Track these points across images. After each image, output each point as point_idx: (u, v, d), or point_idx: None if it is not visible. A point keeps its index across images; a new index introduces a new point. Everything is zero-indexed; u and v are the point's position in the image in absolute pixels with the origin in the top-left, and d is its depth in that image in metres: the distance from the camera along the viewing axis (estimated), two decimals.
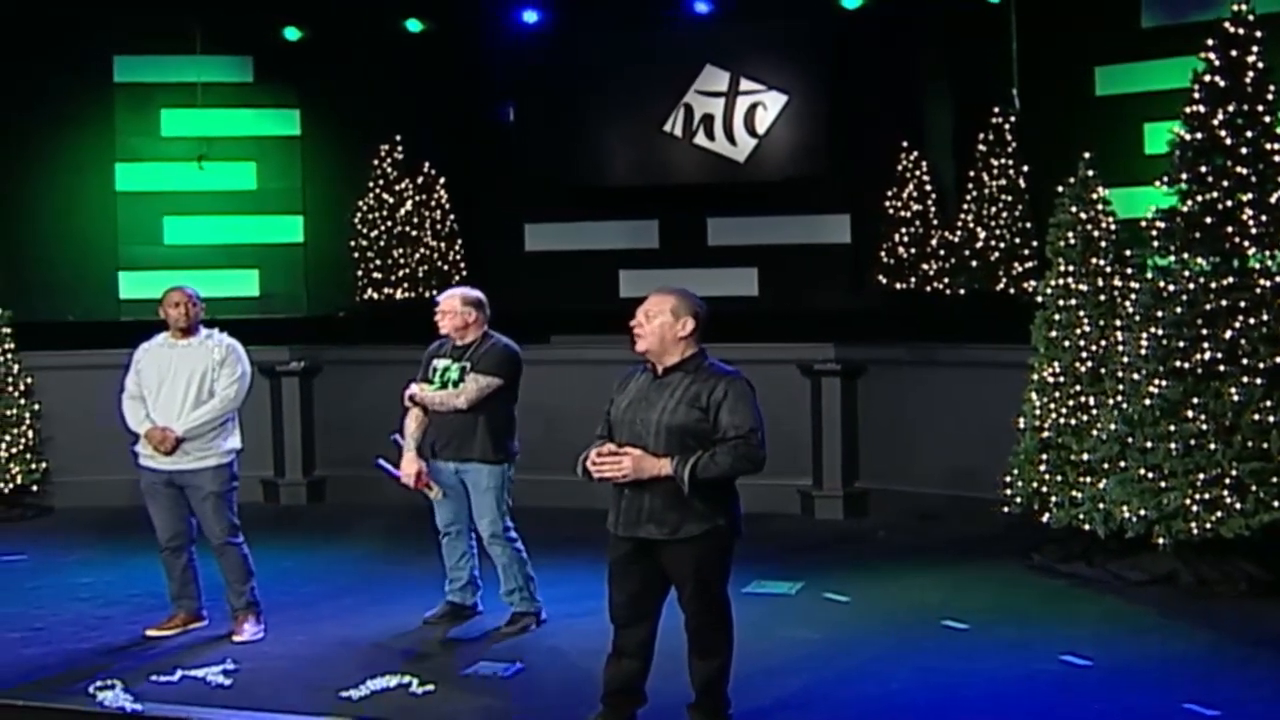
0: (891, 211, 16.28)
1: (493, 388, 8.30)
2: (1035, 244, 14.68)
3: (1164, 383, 9.04)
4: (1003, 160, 15.61)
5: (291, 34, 17.60)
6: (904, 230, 16.20)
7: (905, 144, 16.32)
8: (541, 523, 10.39)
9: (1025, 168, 15.48)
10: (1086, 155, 10.16)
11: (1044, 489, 9.84)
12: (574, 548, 9.68)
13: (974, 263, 15.72)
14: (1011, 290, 15.25)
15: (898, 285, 16.23)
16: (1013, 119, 15.64)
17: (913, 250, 16.17)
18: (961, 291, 15.83)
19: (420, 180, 17.59)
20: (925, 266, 16.08)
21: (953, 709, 6.84)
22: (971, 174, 15.81)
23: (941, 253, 16.02)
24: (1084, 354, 9.82)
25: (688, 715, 6.39)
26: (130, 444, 8.52)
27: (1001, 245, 15.53)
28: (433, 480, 8.44)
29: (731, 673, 6.42)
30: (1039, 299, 10.15)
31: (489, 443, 8.31)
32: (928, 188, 16.24)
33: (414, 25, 17.43)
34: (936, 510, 11.32)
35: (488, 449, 8.31)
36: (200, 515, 8.38)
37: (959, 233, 15.85)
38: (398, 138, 17.55)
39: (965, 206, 15.85)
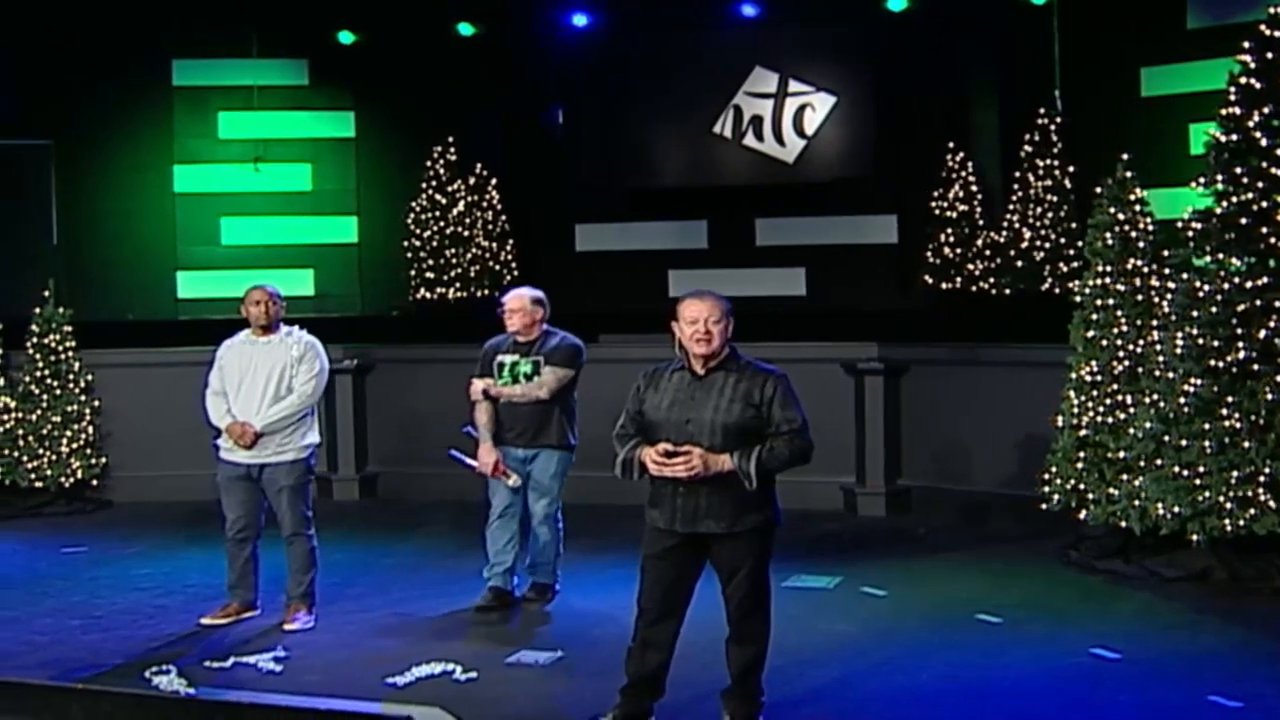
0: (937, 212, 16.40)
1: (568, 379, 8.82)
2: (1080, 244, 14.74)
3: (1199, 381, 9.14)
4: (1048, 161, 15.70)
5: (346, 37, 17.87)
6: (950, 231, 16.31)
7: (951, 145, 16.44)
8: (590, 518, 10.65)
9: (1071, 168, 15.56)
10: (1125, 156, 10.25)
11: (1081, 486, 9.94)
12: (619, 542, 9.84)
13: (1019, 263, 15.82)
14: (1056, 290, 15.32)
15: (943, 285, 16.34)
16: (1058, 120, 15.72)
17: (958, 251, 16.27)
18: (1007, 292, 15.92)
19: (472, 181, 17.81)
20: (971, 267, 16.18)
21: (980, 700, 6.97)
22: (1017, 175, 15.92)
23: (987, 253, 16.12)
24: (1121, 353, 9.92)
25: (721, 701, 6.56)
26: (212, 438, 8.75)
27: (1046, 246, 15.62)
28: (508, 468, 8.84)
29: (767, 662, 6.59)
30: (1077, 299, 10.26)
31: (562, 430, 8.86)
32: (973, 188, 16.35)
33: (466, 29, 17.67)
34: (977, 507, 11.40)
35: (563, 435, 8.86)
36: (275, 507, 8.63)
37: (1004, 233, 15.95)
38: (450, 139, 17.78)
39: (1011, 207, 15.95)
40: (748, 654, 6.50)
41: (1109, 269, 10.06)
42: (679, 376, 6.45)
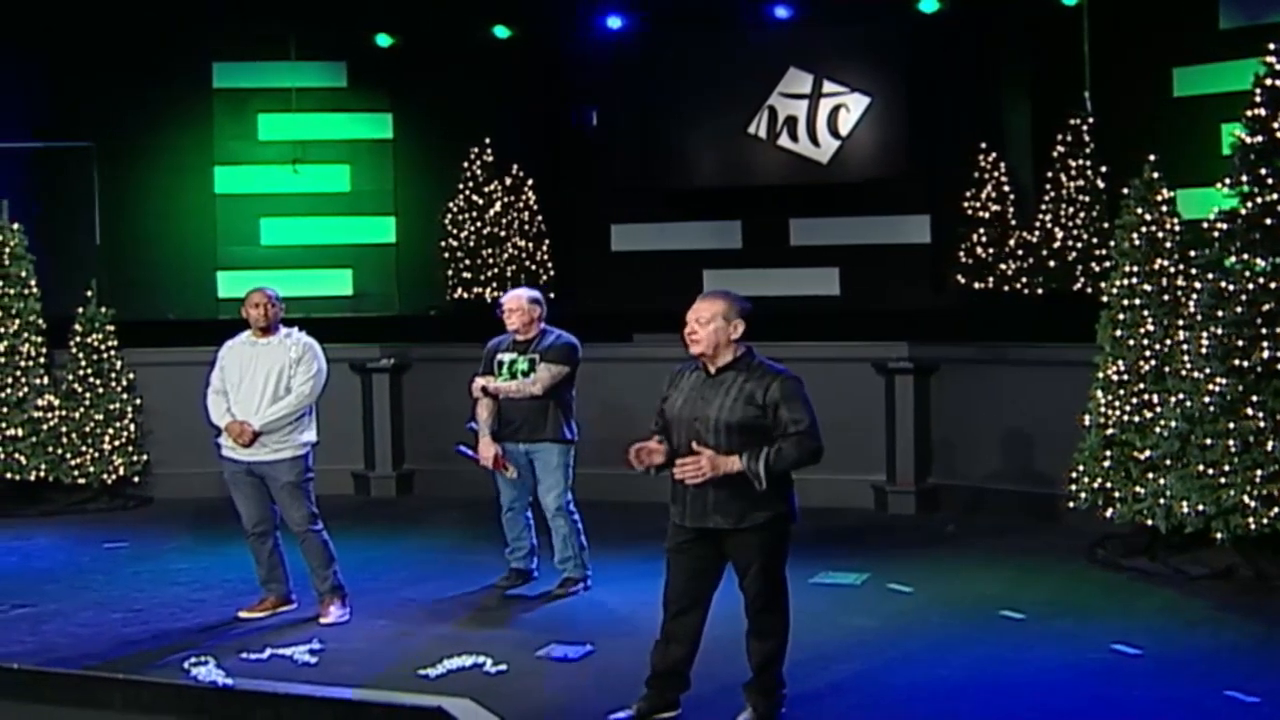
0: (970, 212, 16.48)
1: (563, 375, 9.09)
2: (1112, 244, 14.80)
3: (1224, 381, 9.20)
4: (1080, 161, 15.77)
5: (383, 40, 18.06)
6: (982, 231, 16.38)
7: (984, 146, 16.52)
8: (622, 516, 10.79)
9: (1103, 169, 15.60)
10: (1152, 158, 10.32)
11: (1108, 485, 10.01)
12: (650, 539, 9.94)
13: (1051, 263, 15.89)
14: (1089, 290, 15.38)
15: (976, 285, 16.41)
16: (1089, 120, 15.76)
17: (991, 250, 16.35)
18: (1039, 291, 15.98)
19: (509, 182, 17.98)
20: (1003, 267, 16.25)
21: (1000, 694, 7.08)
22: (1049, 175, 15.98)
23: (1019, 253, 16.19)
24: (1147, 353, 9.99)
25: (744, 694, 6.69)
26: (213, 437, 8.94)
27: (1078, 246, 15.68)
28: (507, 461, 9.17)
29: (787, 655, 6.72)
30: (1104, 299, 10.34)
31: (558, 424, 9.13)
32: (1006, 189, 16.43)
33: (501, 32, 17.83)
34: (1006, 506, 11.47)
35: (558, 430, 9.12)
36: (280, 504, 8.79)
37: (1037, 233, 16.02)
38: (487, 141, 17.96)
39: (1043, 207, 16.01)
40: (766, 647, 6.63)
41: (1136, 269, 10.14)
42: (695, 375, 6.61)
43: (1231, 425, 9.12)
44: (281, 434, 8.67)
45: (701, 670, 6.78)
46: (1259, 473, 8.98)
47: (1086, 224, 15.64)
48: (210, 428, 8.94)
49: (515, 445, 9.20)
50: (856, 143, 17.51)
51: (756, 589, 6.57)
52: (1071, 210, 15.77)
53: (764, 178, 17.87)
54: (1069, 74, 15.98)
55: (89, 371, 12.71)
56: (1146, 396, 9.95)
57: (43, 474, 12.45)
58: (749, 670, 6.69)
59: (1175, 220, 10.21)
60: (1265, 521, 8.94)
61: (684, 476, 6.41)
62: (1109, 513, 9.99)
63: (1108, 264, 15.02)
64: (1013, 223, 16.35)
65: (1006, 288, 16.22)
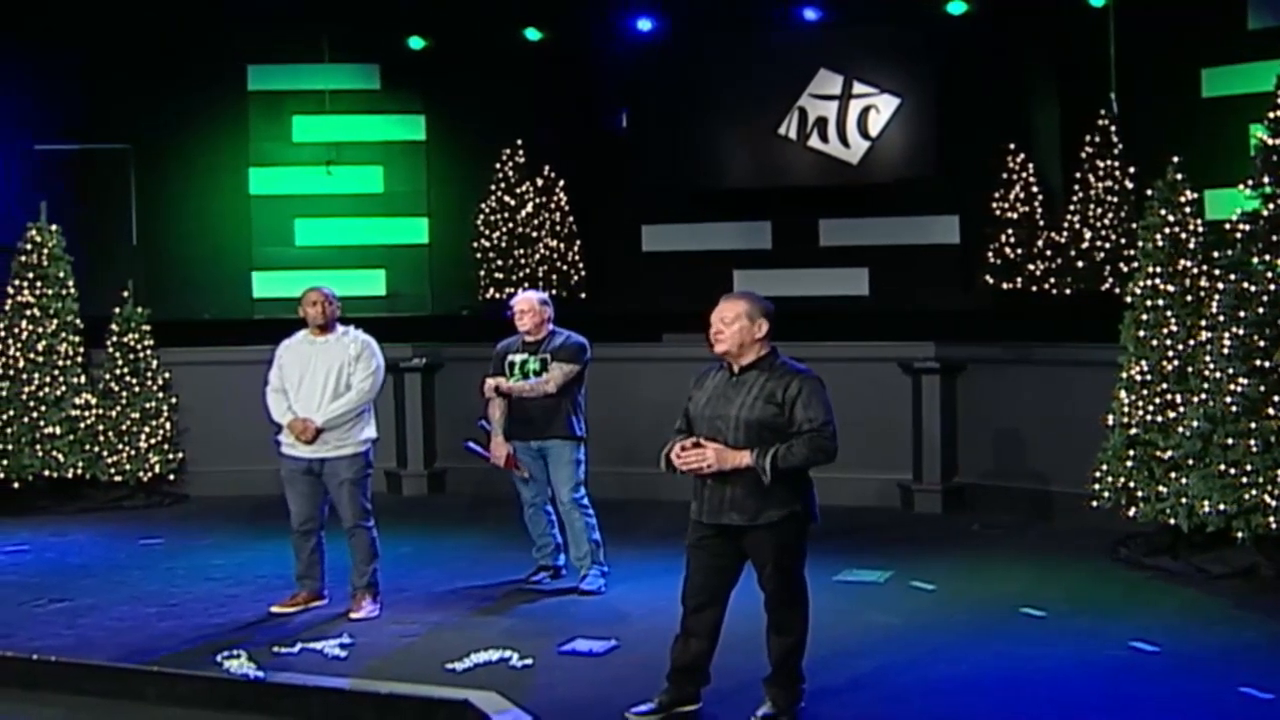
0: (999, 213, 16.52)
1: (574, 374, 9.30)
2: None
3: (1245, 381, 9.25)
4: (1108, 162, 15.79)
5: (416, 43, 18.19)
6: (1011, 231, 16.43)
7: (1013, 146, 16.56)
8: (651, 513, 10.93)
9: (1131, 169, 15.63)
10: (1175, 159, 10.37)
11: (1131, 484, 10.06)
12: (679, 536, 10.05)
13: (1079, 263, 15.92)
14: (1117, 290, 15.36)
15: (1004, 285, 16.45)
16: (1118, 121, 15.80)
17: (1019, 251, 16.39)
18: (1068, 292, 16.02)
19: (540, 183, 18.08)
20: (1031, 267, 16.29)
21: (1016, 689, 7.18)
22: (1078, 176, 16.00)
23: (1048, 253, 16.23)
24: (1170, 353, 10.04)
25: (764, 688, 6.81)
26: (273, 434, 9.09)
27: (1106, 246, 15.70)
28: (519, 460, 9.38)
29: (806, 650, 6.83)
30: (1128, 299, 10.41)
31: (570, 421, 9.34)
32: (1034, 189, 16.47)
33: (533, 34, 17.94)
34: (1031, 504, 11.55)
35: (569, 427, 9.34)
36: (336, 500, 8.95)
37: (1065, 234, 16.05)
38: (519, 142, 18.08)
39: (1071, 208, 16.05)
40: (785, 643, 6.75)
41: (1159, 270, 10.20)
42: (720, 375, 6.74)
43: (1253, 425, 9.17)
44: (343, 430, 8.84)
45: (722, 665, 6.90)
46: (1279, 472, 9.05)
47: (1114, 224, 15.66)
48: (270, 425, 9.10)
49: (527, 443, 9.40)
50: (886, 143, 17.56)
51: (773, 586, 6.68)
52: (1099, 211, 15.79)
53: (794, 178, 17.92)
54: (1097, 75, 16.01)
55: (125, 370, 12.89)
56: (1169, 396, 10.00)
57: (80, 471, 12.65)
58: (769, 665, 6.80)
59: (1198, 221, 10.26)
60: None
61: (685, 467, 6.54)
62: (1132, 512, 10.04)
63: (1136, 264, 15.20)
64: (1041, 223, 16.39)
65: (1035, 288, 16.25)
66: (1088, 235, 15.83)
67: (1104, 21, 15.82)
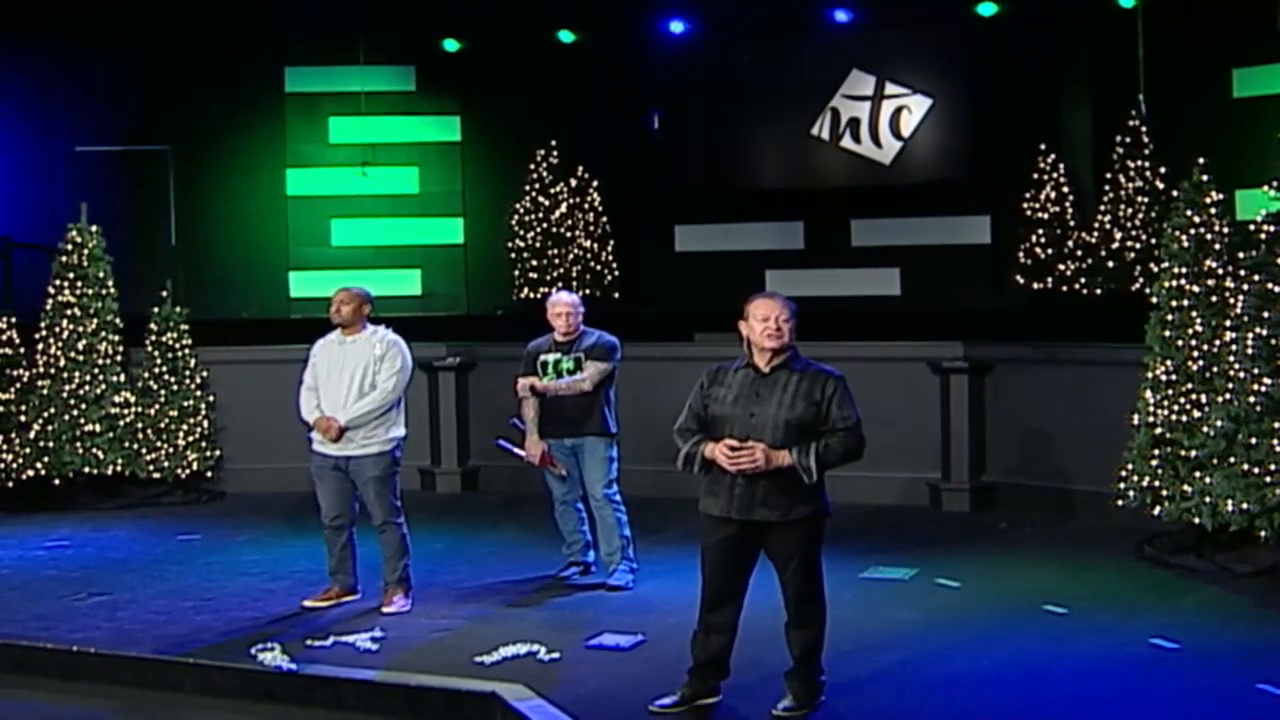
0: (1030, 213, 16.55)
1: (609, 372, 9.50)
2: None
3: (1269, 381, 9.31)
4: (1139, 162, 15.81)
5: (451, 45, 18.31)
6: (1042, 231, 16.47)
7: (1043, 147, 16.58)
8: (680, 511, 11.00)
9: (1162, 170, 15.65)
10: (1201, 160, 10.43)
11: (1156, 484, 10.13)
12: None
13: (1110, 264, 15.94)
14: (1146, 291, 15.37)
15: (1035, 286, 16.49)
16: (1147, 122, 15.82)
17: (1050, 251, 16.42)
18: (1098, 292, 16.05)
19: (574, 183, 18.17)
20: (1062, 267, 16.32)
21: (1035, 683, 7.28)
22: (1108, 176, 16.02)
23: (1078, 254, 16.25)
24: (1195, 353, 10.10)
25: (785, 681, 6.93)
26: (305, 432, 9.26)
27: (1137, 246, 15.71)
28: (554, 458, 9.55)
29: (826, 643, 6.95)
30: (1153, 299, 10.47)
31: (603, 419, 9.54)
32: (1065, 189, 16.48)
33: (566, 36, 18.05)
34: (1059, 503, 11.61)
35: (603, 424, 9.54)
36: (365, 497, 9.11)
37: (1095, 234, 16.08)
38: (553, 143, 18.18)
39: (1102, 208, 16.07)
40: (807, 637, 6.87)
41: (1184, 270, 10.26)
42: (743, 374, 6.84)
43: (1276, 425, 9.22)
44: (368, 429, 8.99)
45: (743, 659, 7.04)
46: None
47: (1145, 225, 15.68)
48: (302, 424, 9.26)
49: (561, 441, 9.57)
50: (918, 144, 17.59)
51: (798, 581, 6.81)
52: (1130, 211, 15.81)
53: (827, 179, 17.97)
54: (1128, 75, 16.03)
55: (164, 369, 13.07)
56: (1194, 396, 10.05)
57: (119, 468, 12.83)
58: (790, 659, 6.93)
59: (1224, 222, 10.31)
60: None
61: (739, 466, 6.65)
62: (1157, 511, 10.09)
63: (1163, 265, 15.22)
64: (1072, 224, 16.40)
65: (1065, 288, 16.28)
66: (1118, 236, 15.85)
67: (1134, 22, 15.83)
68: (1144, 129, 15.81)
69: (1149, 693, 7.12)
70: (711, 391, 6.87)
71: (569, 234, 18.09)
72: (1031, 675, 7.42)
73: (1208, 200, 10.31)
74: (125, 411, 12.90)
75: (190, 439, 13.03)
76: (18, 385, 12.77)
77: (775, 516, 6.73)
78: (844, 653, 7.41)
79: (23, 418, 12.68)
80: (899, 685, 7.31)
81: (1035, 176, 16.58)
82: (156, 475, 12.94)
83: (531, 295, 17.97)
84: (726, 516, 6.80)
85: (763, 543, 6.84)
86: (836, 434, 6.69)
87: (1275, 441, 9.20)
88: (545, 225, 18.10)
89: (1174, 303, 10.27)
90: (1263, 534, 9.23)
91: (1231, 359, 9.71)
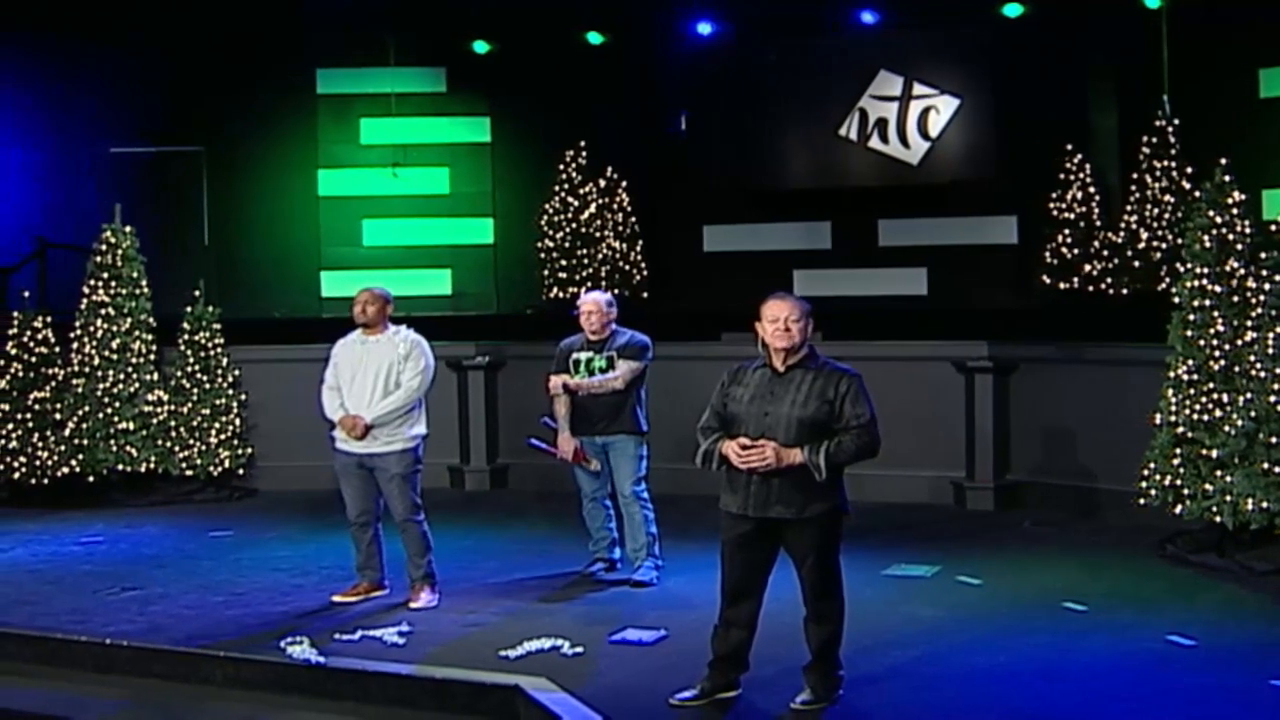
0: (1056, 213, 16.60)
1: (641, 370, 9.61)
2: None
3: None
4: (1165, 163, 15.84)
5: (481, 47, 18.44)
6: (1068, 232, 16.51)
7: (1070, 147, 16.62)
8: (705, 509, 11.05)
9: (1188, 170, 15.67)
10: (1223, 160, 10.48)
11: (1178, 483, 10.18)
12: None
13: (1136, 264, 15.97)
14: (1172, 291, 15.40)
15: (1061, 285, 16.53)
16: (1176, 121, 15.85)
17: (1076, 251, 16.46)
18: (1124, 292, 16.08)
19: (603, 184, 18.29)
20: (1088, 267, 16.36)
21: (1050, 679, 7.35)
22: (1134, 176, 16.06)
23: (1104, 254, 16.29)
24: (1217, 353, 10.15)
25: (804, 676, 7.04)
26: (328, 430, 9.40)
27: (1163, 247, 15.74)
28: (587, 454, 9.69)
29: (845, 639, 7.05)
30: (1176, 299, 10.52)
31: (634, 417, 9.66)
32: (1091, 190, 16.53)
33: (595, 38, 18.17)
34: (1082, 502, 11.67)
35: (633, 422, 9.66)
36: (386, 494, 9.24)
37: (1122, 234, 16.12)
38: (582, 144, 18.29)
39: (1128, 208, 16.11)
40: (825, 632, 6.98)
41: (1206, 270, 10.31)
42: (761, 373, 6.95)
43: None
44: (392, 427, 9.11)
45: (763, 654, 7.14)
46: None
47: (1171, 225, 15.70)
48: (324, 422, 9.39)
49: (592, 439, 9.68)
50: (946, 144, 17.65)
51: (815, 577, 6.92)
52: (1156, 211, 15.85)
53: (854, 179, 18.06)
54: (1155, 76, 16.06)
55: (196, 368, 13.22)
56: (1216, 395, 10.10)
57: (152, 465, 12.99)
58: (809, 654, 7.03)
59: (1246, 223, 10.36)
60: None
61: (750, 464, 6.76)
62: (1179, 509, 10.14)
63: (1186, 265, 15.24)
64: (1098, 224, 16.45)
65: (1091, 288, 16.32)
66: (1144, 236, 15.89)
67: (1160, 22, 15.86)
68: (1170, 129, 15.84)
69: (1163, 688, 7.18)
70: (731, 390, 6.99)
71: (598, 234, 18.19)
72: (1047, 671, 7.49)
73: (1230, 200, 10.35)
74: (158, 410, 13.05)
75: (222, 437, 13.16)
76: (53, 384, 12.96)
77: (790, 513, 6.83)
78: (863, 648, 7.51)
79: (58, 416, 12.87)
80: (917, 681, 7.39)
81: (1061, 177, 16.64)
82: (189, 472, 13.09)
83: (560, 295, 18.08)
84: (743, 513, 6.91)
85: (780, 539, 6.95)
86: (850, 432, 6.78)
87: None
88: (574, 225, 18.22)
89: (1196, 303, 10.32)
90: None
91: (1253, 358, 9.76)
